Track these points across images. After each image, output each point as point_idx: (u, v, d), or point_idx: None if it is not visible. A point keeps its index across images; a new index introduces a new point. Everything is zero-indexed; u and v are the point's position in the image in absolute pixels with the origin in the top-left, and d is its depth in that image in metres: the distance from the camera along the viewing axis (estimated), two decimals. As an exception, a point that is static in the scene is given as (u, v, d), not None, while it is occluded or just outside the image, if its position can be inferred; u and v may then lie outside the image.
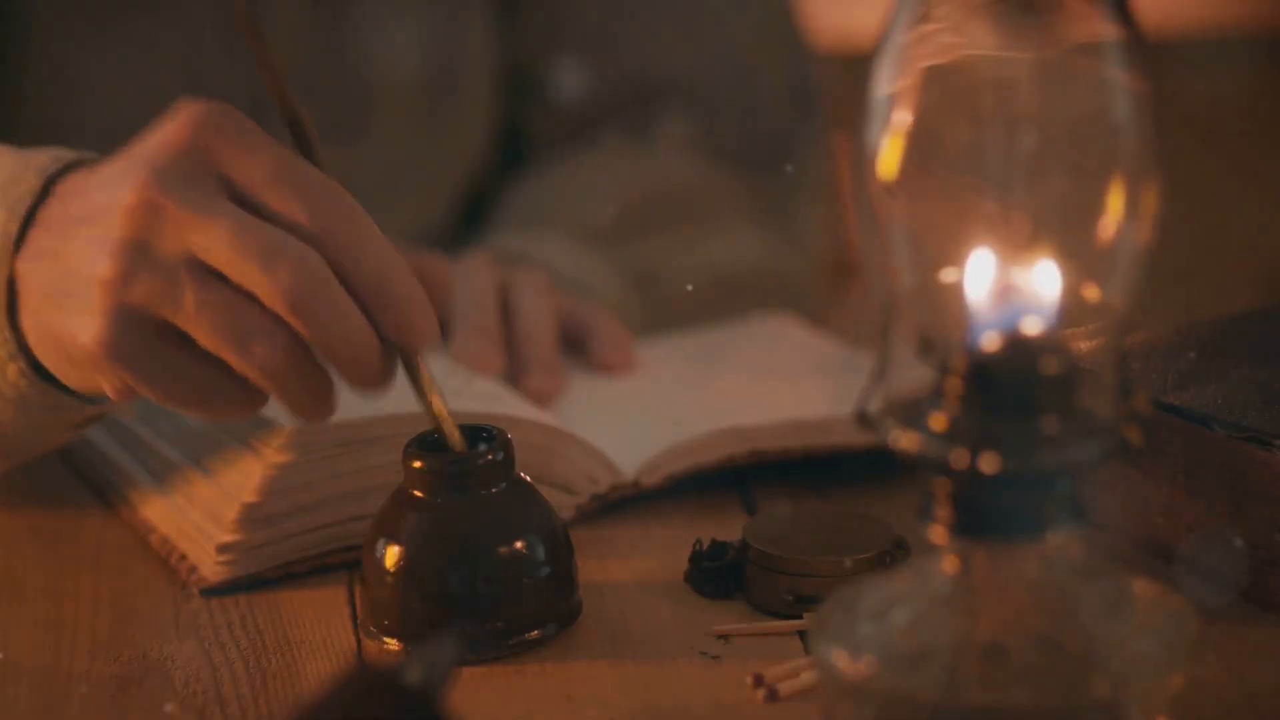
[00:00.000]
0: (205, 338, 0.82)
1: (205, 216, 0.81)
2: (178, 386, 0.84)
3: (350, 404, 0.93)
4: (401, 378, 0.84)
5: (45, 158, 0.86)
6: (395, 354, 0.83)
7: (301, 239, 0.81)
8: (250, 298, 0.81)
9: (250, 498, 0.90)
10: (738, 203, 1.32)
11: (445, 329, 1.05)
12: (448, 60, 1.29)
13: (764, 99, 1.34)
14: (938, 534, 0.70)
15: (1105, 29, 0.69)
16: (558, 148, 1.32)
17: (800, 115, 1.36)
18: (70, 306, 0.83)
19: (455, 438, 0.84)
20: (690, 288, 1.24)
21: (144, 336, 0.83)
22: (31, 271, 0.85)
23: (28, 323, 0.85)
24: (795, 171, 1.35)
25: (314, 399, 0.83)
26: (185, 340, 0.82)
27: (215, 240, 0.81)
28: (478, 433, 0.85)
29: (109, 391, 0.85)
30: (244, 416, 0.86)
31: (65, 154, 0.87)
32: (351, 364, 0.82)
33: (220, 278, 0.81)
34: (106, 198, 0.83)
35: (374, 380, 0.83)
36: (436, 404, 0.84)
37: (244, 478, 0.91)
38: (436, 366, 1.00)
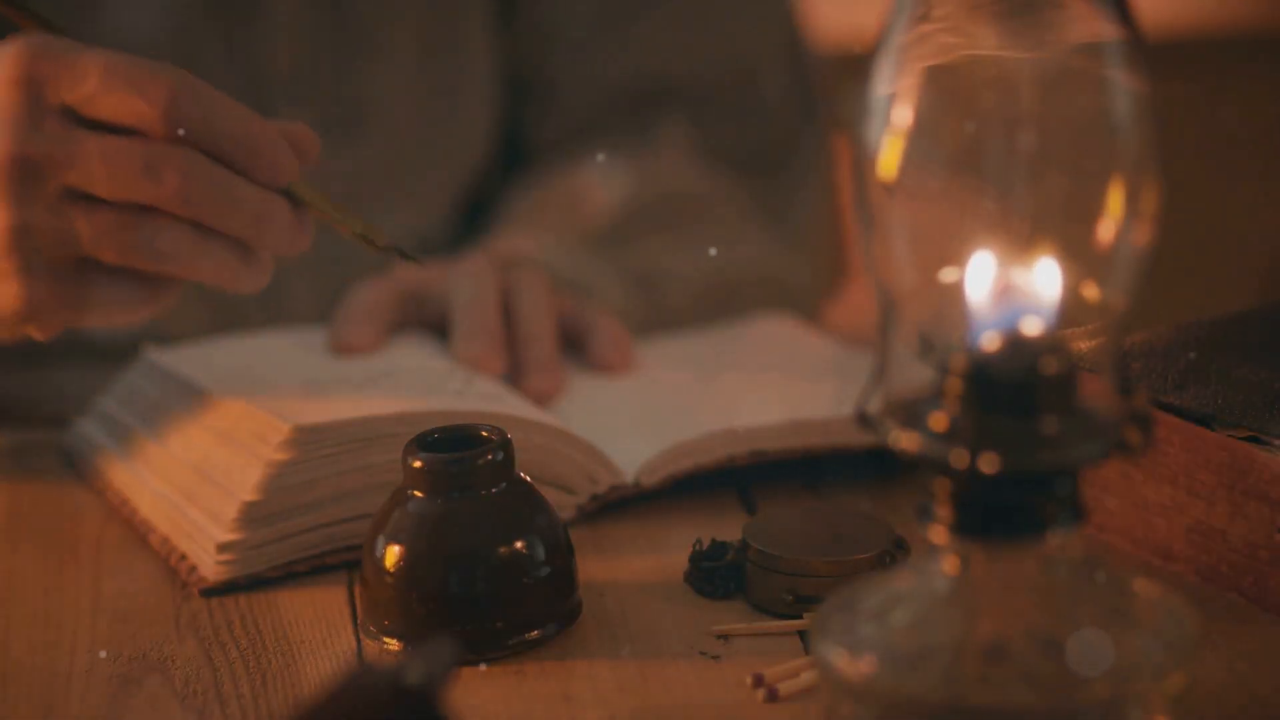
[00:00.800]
0: (113, 257, 0.87)
1: (70, 153, 0.85)
2: (104, 309, 0.89)
3: (350, 404, 0.93)
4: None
5: None
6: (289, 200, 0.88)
7: (153, 126, 0.85)
8: (138, 206, 0.86)
9: (250, 496, 0.90)
10: (738, 206, 1.31)
11: (446, 329, 1.05)
12: (448, 64, 1.29)
13: (764, 102, 1.34)
14: (938, 534, 0.70)
15: (1105, 29, 0.69)
16: (558, 151, 1.32)
17: (801, 118, 1.36)
18: None
19: (378, 241, 0.91)
20: (690, 290, 1.24)
21: (59, 279, 0.88)
22: None
23: None
24: (796, 174, 1.35)
25: (238, 264, 0.88)
26: (95, 262, 0.87)
27: (90, 172, 0.85)
28: (477, 433, 0.85)
29: (39, 336, 0.90)
30: (174, 304, 0.91)
31: None
32: (260, 231, 0.87)
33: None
34: None
35: (290, 237, 0.88)
36: (333, 214, 0.90)
37: (244, 476, 0.91)
38: (438, 367, 1.00)
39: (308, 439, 0.90)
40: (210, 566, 0.90)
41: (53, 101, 0.86)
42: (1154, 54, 0.69)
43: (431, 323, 1.07)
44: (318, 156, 0.90)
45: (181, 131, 0.85)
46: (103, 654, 0.84)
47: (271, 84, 1.23)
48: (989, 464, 0.68)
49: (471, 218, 1.33)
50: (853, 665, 0.70)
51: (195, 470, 0.94)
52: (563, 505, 0.93)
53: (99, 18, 1.19)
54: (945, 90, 0.70)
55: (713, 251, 1.27)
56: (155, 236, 0.86)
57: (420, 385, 0.97)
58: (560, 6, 1.31)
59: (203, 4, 1.21)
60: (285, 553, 0.91)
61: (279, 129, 0.88)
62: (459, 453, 0.84)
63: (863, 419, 0.71)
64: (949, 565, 0.71)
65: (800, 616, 0.84)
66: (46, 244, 0.87)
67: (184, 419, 0.97)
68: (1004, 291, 0.70)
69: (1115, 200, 0.70)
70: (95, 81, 0.85)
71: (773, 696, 0.79)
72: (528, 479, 0.85)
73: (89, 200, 0.86)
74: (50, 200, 0.86)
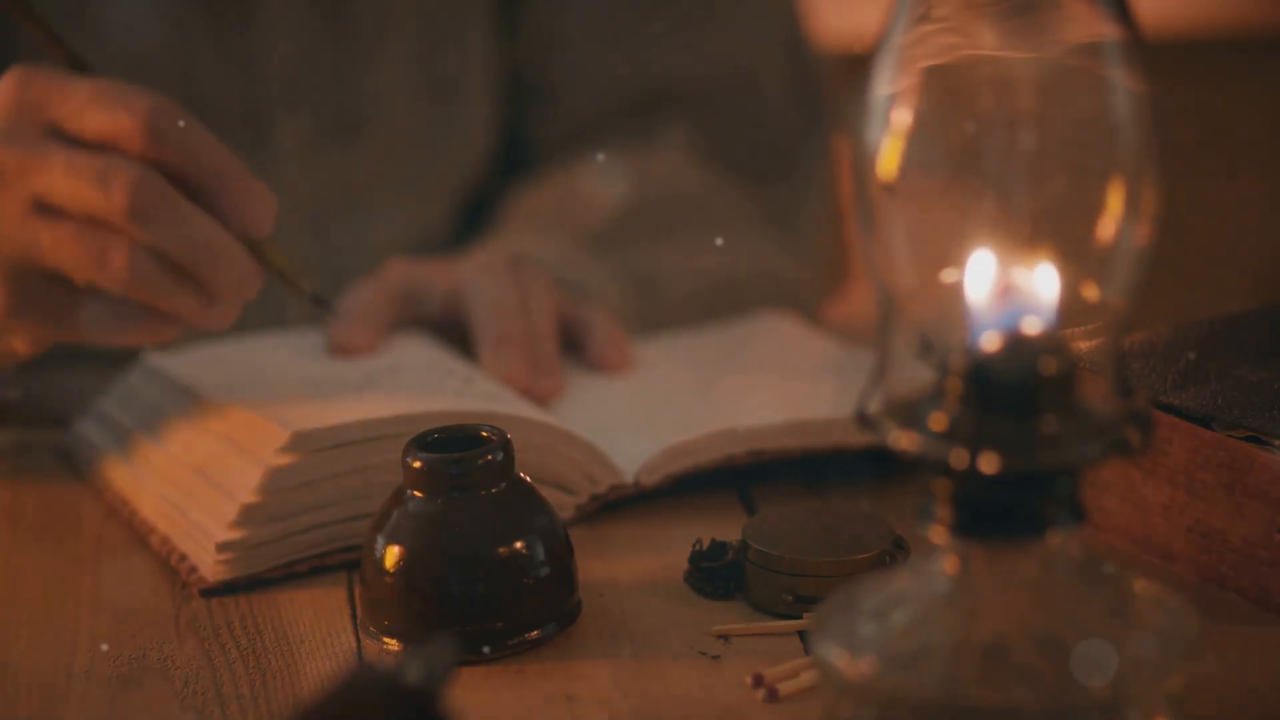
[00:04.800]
0: (71, 269, 0.89)
1: (35, 159, 0.88)
2: (81, 321, 0.91)
3: (350, 405, 0.93)
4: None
5: None
6: (252, 253, 0.90)
7: (135, 150, 0.88)
8: (98, 222, 0.88)
9: (250, 498, 0.90)
10: (739, 209, 1.31)
11: (468, 332, 1.05)
12: (447, 66, 1.29)
13: (767, 106, 1.34)
14: (938, 534, 0.70)
15: (1105, 29, 0.69)
16: (559, 153, 1.32)
17: (804, 122, 1.36)
18: None
19: (308, 291, 0.94)
20: (688, 291, 1.24)
21: (35, 285, 0.90)
22: None
23: None
24: (799, 180, 1.35)
25: (202, 305, 0.90)
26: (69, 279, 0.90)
27: (49, 178, 0.88)
28: (477, 433, 0.85)
29: (21, 347, 0.93)
30: (160, 339, 0.92)
31: None
32: (212, 264, 0.88)
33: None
34: None
35: (242, 278, 0.89)
36: (295, 280, 0.93)
37: (244, 478, 0.91)
38: (437, 366, 1.00)
39: (307, 443, 0.90)
40: (210, 567, 0.90)
41: (38, 118, 0.89)
42: (1154, 54, 0.69)
43: (429, 319, 1.07)
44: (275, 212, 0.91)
45: (154, 150, 0.87)
46: (104, 647, 0.83)
47: (268, 86, 1.23)
48: (989, 464, 0.68)
49: (471, 218, 1.33)
50: (853, 665, 0.70)
51: (195, 472, 0.94)
52: (563, 505, 0.93)
53: (95, 20, 1.18)
54: (945, 90, 0.70)
55: (713, 256, 1.27)
56: (108, 252, 0.88)
57: (419, 385, 0.97)
58: (563, 9, 1.31)
59: (198, 6, 1.21)
60: (285, 553, 0.91)
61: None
62: (459, 453, 0.84)
63: (862, 419, 0.71)
64: (949, 565, 0.71)
65: (800, 616, 0.84)
66: (13, 252, 0.89)
67: (183, 421, 0.97)
68: (1004, 291, 0.70)
69: (1115, 200, 0.70)
70: (82, 98, 0.88)
71: (773, 696, 0.79)
72: (528, 479, 0.85)
73: (57, 212, 0.88)
74: (17, 208, 0.89)
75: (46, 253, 0.89)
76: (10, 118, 0.89)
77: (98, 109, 0.88)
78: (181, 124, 0.88)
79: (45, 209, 0.89)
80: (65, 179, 0.88)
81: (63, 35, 0.92)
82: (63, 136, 0.89)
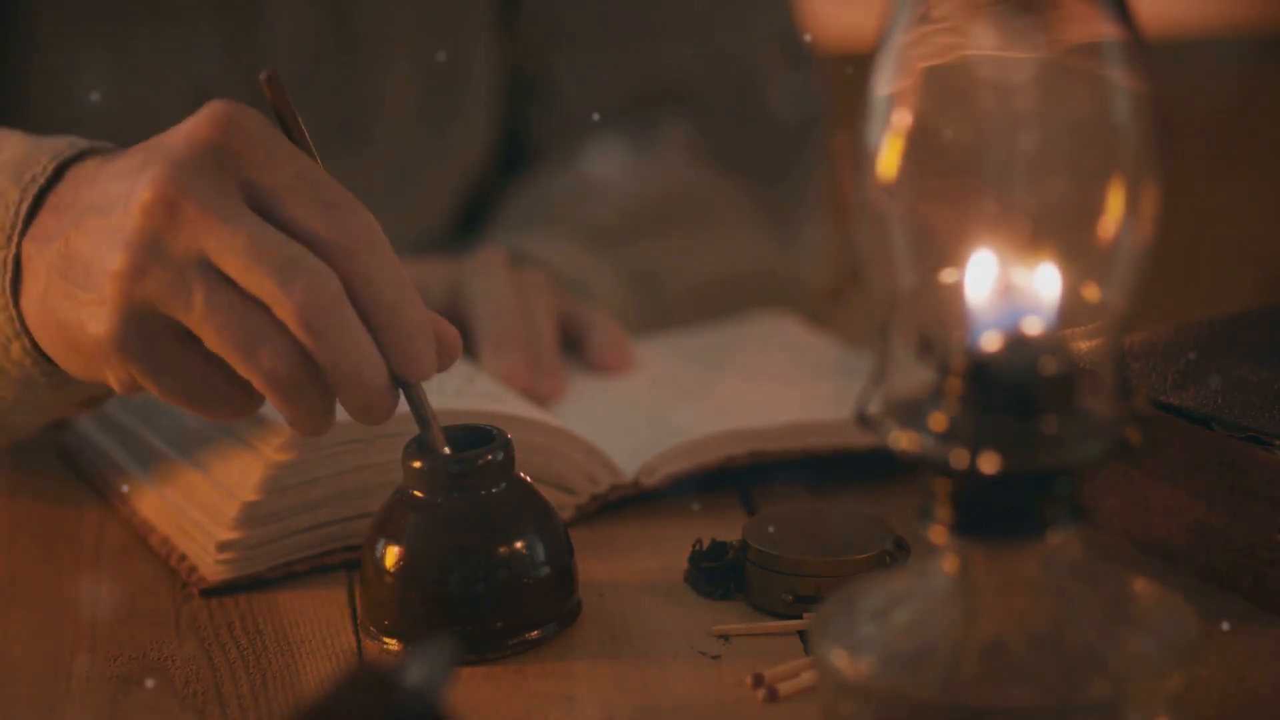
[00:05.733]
0: (212, 340, 0.81)
1: (222, 220, 0.80)
2: (182, 385, 0.83)
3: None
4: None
5: (61, 143, 0.87)
6: (398, 383, 0.83)
7: (317, 250, 0.81)
8: (260, 304, 0.81)
9: (250, 496, 0.90)
10: (738, 207, 1.32)
11: (465, 333, 1.05)
12: (451, 65, 1.29)
13: (766, 104, 1.34)
14: (938, 534, 0.70)
15: (1105, 29, 0.69)
16: (559, 150, 1.32)
17: (802, 121, 1.36)
18: (81, 297, 0.83)
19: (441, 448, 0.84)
20: (689, 288, 1.24)
21: (153, 333, 0.82)
22: (39, 253, 0.85)
23: (31, 305, 0.85)
24: (798, 179, 1.35)
25: (314, 414, 0.83)
26: (193, 340, 0.82)
27: (231, 247, 0.80)
28: (478, 433, 0.85)
29: (113, 384, 0.84)
30: (239, 418, 0.86)
31: (80, 141, 0.87)
32: (355, 387, 0.82)
33: (232, 281, 0.81)
34: (123, 189, 0.82)
35: (375, 407, 0.82)
36: (437, 435, 0.84)
37: (244, 476, 0.91)
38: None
39: (307, 441, 0.90)
40: (210, 566, 0.90)
41: (235, 171, 0.81)
42: (1154, 54, 0.69)
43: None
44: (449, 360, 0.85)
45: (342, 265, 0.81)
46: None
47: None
48: (989, 464, 0.68)
49: (471, 218, 1.33)
50: (853, 665, 0.70)
51: (195, 470, 0.94)
52: (563, 505, 0.93)
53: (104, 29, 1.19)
54: (945, 90, 0.70)
55: (712, 254, 1.27)
56: (262, 342, 0.81)
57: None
58: (563, 7, 1.31)
59: (207, 12, 1.21)
60: (285, 552, 0.91)
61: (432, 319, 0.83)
62: (459, 453, 0.84)
63: (863, 419, 0.71)
64: (949, 565, 0.71)
65: (800, 616, 0.84)
66: (157, 295, 0.81)
67: (183, 419, 0.97)
68: (1004, 291, 0.70)
69: (1115, 200, 0.70)
70: (286, 178, 0.81)
71: (773, 696, 0.79)
72: (528, 479, 0.85)
73: (220, 276, 0.81)
74: (180, 257, 0.81)
75: (193, 312, 0.81)
76: (205, 159, 0.81)
77: (294, 196, 0.81)
78: (375, 253, 0.81)
79: (211, 268, 0.81)
80: (245, 255, 0.80)
81: (291, 102, 0.85)
82: (255, 195, 0.81)
